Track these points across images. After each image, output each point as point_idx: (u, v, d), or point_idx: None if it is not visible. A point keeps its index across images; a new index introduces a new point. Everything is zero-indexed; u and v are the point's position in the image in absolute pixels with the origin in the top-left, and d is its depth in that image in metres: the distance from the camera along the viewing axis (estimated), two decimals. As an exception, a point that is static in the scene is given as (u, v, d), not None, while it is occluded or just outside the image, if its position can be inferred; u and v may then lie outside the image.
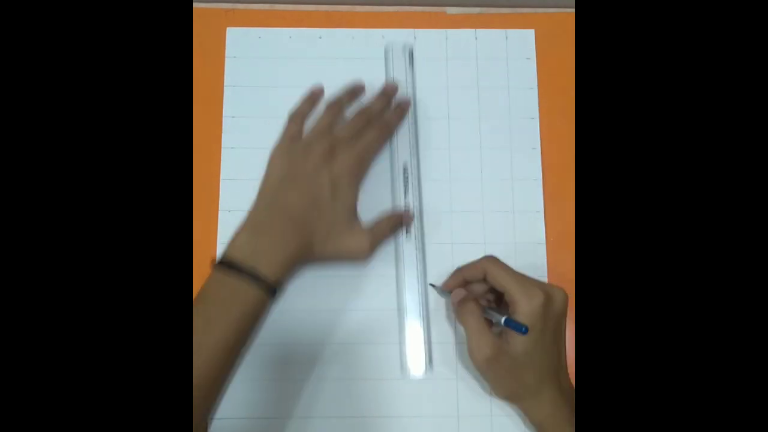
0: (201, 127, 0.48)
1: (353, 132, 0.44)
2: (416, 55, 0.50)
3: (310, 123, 0.45)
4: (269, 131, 0.47)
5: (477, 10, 0.51)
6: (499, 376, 0.39)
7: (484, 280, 0.41)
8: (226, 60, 0.50)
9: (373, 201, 0.46)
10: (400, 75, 0.50)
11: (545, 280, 0.46)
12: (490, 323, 0.39)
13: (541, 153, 0.49)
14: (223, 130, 0.49)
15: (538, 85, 0.50)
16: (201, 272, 0.42)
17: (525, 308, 0.37)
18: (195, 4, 0.51)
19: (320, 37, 0.51)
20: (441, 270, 0.46)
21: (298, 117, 0.46)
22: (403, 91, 0.49)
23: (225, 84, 0.50)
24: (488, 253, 0.41)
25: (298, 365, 0.44)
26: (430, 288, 0.45)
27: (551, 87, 0.50)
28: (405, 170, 0.46)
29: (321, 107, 0.46)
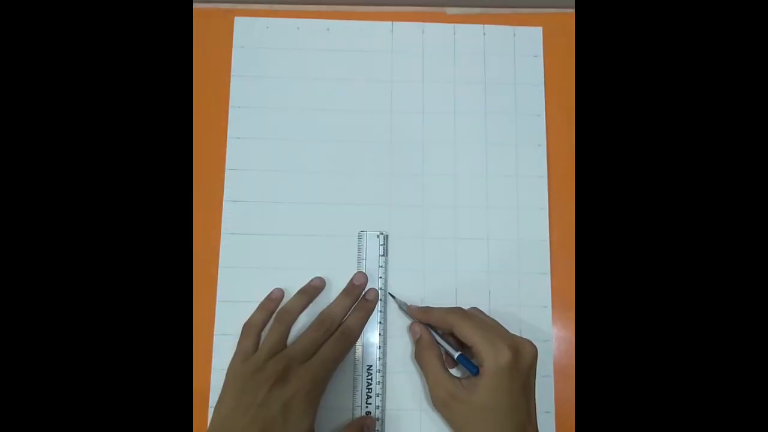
0: (207, 117, 0.48)
1: (309, 346, 0.40)
2: (424, 49, 0.50)
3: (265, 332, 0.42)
4: (275, 122, 0.48)
5: (477, 10, 0.51)
6: (458, 422, 0.39)
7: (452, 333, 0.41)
8: (234, 50, 0.50)
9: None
10: (404, 69, 0.50)
11: (548, 278, 0.46)
12: (448, 359, 0.41)
13: (547, 150, 0.49)
14: (229, 120, 0.49)
15: (545, 83, 0.50)
16: (205, 262, 0.42)
17: (491, 365, 0.37)
18: (197, 5, 0.50)
19: (328, 29, 0.51)
20: (441, 266, 0.46)
21: (251, 329, 0.42)
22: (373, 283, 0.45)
23: (232, 74, 0.49)
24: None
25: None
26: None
27: (558, 85, 0.50)
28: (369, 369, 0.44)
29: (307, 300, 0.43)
